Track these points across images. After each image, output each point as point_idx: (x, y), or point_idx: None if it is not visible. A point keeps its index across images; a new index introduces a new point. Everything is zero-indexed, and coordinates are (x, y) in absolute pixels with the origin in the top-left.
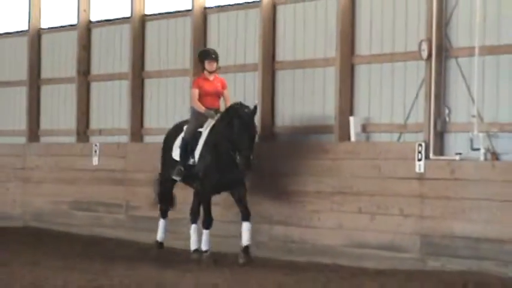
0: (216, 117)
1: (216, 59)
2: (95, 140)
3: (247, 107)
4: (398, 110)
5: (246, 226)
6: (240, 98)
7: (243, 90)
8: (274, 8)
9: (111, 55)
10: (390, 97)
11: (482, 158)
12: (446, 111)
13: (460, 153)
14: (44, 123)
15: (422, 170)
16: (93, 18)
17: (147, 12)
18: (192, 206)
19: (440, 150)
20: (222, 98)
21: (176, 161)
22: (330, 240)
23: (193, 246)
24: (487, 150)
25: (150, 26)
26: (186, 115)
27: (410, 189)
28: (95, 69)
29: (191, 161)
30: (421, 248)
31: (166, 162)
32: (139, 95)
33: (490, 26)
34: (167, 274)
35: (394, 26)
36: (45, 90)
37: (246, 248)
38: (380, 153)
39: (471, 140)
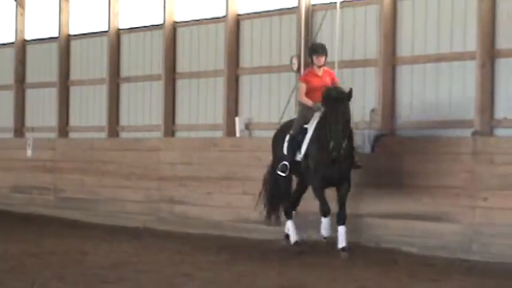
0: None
1: (323, 53)
2: (28, 135)
3: (338, 88)
4: (274, 112)
5: (341, 230)
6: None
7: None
8: (174, 30)
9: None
10: (268, 101)
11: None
12: None
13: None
14: None
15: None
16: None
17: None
18: (287, 203)
19: None
20: None
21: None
22: (220, 216)
23: (293, 238)
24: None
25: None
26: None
27: None
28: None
29: (298, 157)
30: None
31: (277, 161)
32: (66, 100)
33: (347, 45)
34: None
35: (271, 44)
36: None
37: (343, 249)
38: (260, 146)
39: None
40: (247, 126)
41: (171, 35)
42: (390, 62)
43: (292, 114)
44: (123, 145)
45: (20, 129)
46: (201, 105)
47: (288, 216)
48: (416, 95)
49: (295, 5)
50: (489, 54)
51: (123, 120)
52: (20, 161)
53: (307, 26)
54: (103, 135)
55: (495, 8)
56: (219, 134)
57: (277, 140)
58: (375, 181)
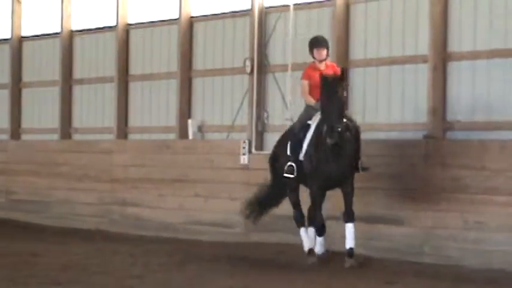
0: None
1: (323, 46)
2: None
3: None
4: (227, 114)
5: (349, 227)
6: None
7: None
8: (127, 32)
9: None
10: (221, 104)
11: None
12: (265, 115)
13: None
14: None
15: (246, 162)
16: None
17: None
18: (296, 211)
19: (260, 146)
20: None
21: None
22: (172, 218)
23: (306, 246)
24: None
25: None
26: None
27: (237, 177)
28: None
29: (301, 156)
30: (245, 225)
31: (284, 164)
32: (18, 101)
33: (299, 48)
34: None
35: (224, 47)
36: None
37: (351, 250)
38: (212, 149)
39: None
40: (200, 129)
41: (124, 37)
42: (343, 65)
43: (245, 116)
44: (76, 147)
45: None
46: (153, 107)
47: (300, 224)
48: (369, 97)
49: (249, 7)
50: (441, 57)
51: (76, 122)
52: None
53: (261, 28)
54: (55, 137)
55: (447, 12)
56: (171, 136)
57: (281, 146)
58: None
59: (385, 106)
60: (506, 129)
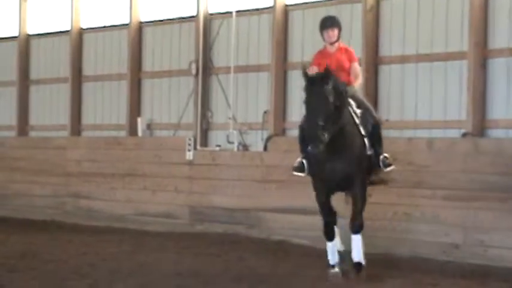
0: None
1: (333, 25)
2: None
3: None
4: (174, 113)
5: (355, 240)
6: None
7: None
8: (81, 35)
9: None
10: (168, 103)
11: (235, 148)
12: (209, 114)
13: (219, 146)
14: None
15: (191, 158)
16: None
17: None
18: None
19: (205, 143)
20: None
21: None
22: (122, 210)
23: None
24: (239, 143)
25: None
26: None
27: (182, 172)
28: None
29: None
30: (190, 215)
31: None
32: None
33: (242, 51)
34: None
35: (171, 50)
36: None
37: (358, 265)
38: (160, 145)
39: (227, 136)
40: (149, 126)
41: (78, 40)
42: (282, 67)
43: (190, 115)
44: (32, 143)
45: None
46: (105, 106)
47: (327, 237)
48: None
49: (194, 14)
50: (373, 61)
51: (32, 120)
52: None
53: (205, 33)
54: (13, 133)
55: (378, 19)
56: (122, 133)
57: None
58: (267, 177)
59: None
60: (432, 128)
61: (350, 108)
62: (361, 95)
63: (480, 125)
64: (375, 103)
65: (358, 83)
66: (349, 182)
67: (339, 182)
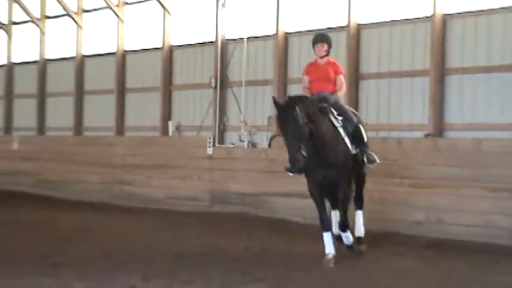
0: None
1: (322, 41)
2: (14, 132)
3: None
4: (197, 118)
5: (359, 214)
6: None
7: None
8: (171, 52)
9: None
10: (192, 109)
11: (246, 146)
12: (225, 118)
13: (233, 143)
14: None
15: (211, 153)
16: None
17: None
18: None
19: (221, 141)
20: None
21: None
22: (156, 194)
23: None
24: (249, 141)
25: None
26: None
27: (204, 164)
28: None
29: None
30: (210, 199)
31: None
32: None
33: (251, 69)
34: None
35: (195, 68)
36: None
37: (359, 238)
38: (186, 143)
39: (240, 136)
40: (177, 128)
41: (168, 55)
42: (283, 82)
43: (210, 119)
44: (86, 141)
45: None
46: (143, 112)
47: (323, 227)
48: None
49: (214, 39)
50: (354, 76)
51: (87, 122)
52: (8, 152)
53: (223, 54)
54: (70, 133)
55: (359, 43)
56: (156, 133)
57: None
58: (271, 169)
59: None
60: (401, 130)
61: (331, 115)
62: (343, 102)
63: (439, 127)
64: (356, 109)
65: (341, 93)
66: (335, 185)
67: (326, 183)
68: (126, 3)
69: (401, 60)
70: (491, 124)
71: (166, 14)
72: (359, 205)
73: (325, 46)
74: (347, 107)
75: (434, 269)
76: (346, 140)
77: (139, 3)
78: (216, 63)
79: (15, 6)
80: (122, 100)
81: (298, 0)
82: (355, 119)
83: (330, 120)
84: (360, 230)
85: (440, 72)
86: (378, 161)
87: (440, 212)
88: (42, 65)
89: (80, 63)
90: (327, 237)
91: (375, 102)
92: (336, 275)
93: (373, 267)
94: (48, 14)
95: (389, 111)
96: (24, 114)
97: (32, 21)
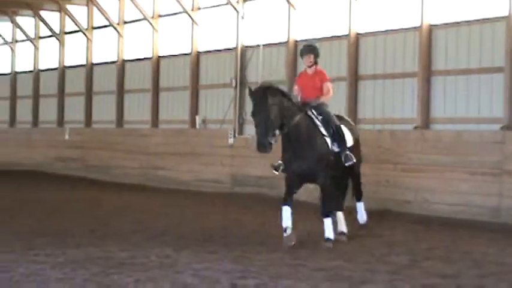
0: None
1: (308, 52)
2: (66, 125)
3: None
4: (220, 112)
5: (326, 222)
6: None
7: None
8: (158, 61)
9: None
10: (216, 105)
11: None
12: (244, 113)
13: (250, 134)
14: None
15: (232, 143)
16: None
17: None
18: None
19: (241, 132)
20: None
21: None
22: (185, 177)
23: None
24: None
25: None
26: None
27: (226, 152)
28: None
29: None
30: (231, 181)
31: None
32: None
33: (266, 70)
34: None
35: (218, 70)
36: None
37: (326, 239)
38: (212, 134)
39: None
40: (203, 121)
41: (195, 60)
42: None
43: (231, 114)
44: (126, 132)
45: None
46: (175, 108)
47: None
48: None
49: (234, 46)
50: (354, 77)
51: (126, 116)
52: (60, 142)
53: (242, 58)
54: (113, 125)
55: (358, 49)
56: (185, 126)
57: None
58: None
59: None
60: (394, 123)
61: (312, 115)
62: (326, 106)
63: (426, 121)
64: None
65: (325, 98)
66: (313, 175)
67: (305, 175)
68: (159, 16)
69: (394, 64)
70: (470, 118)
71: (194, 25)
72: (358, 197)
73: (311, 57)
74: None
75: (421, 242)
76: (326, 137)
77: (172, 16)
78: (236, 66)
79: (96, 11)
80: (157, 99)
81: (307, 11)
82: (337, 121)
83: (310, 117)
84: (362, 218)
85: (427, 73)
86: (354, 160)
87: (426, 193)
88: (121, 65)
89: (156, 62)
90: (286, 212)
91: (371, 99)
92: (336, 246)
93: (369, 240)
94: (126, 19)
95: (384, 107)
96: (74, 109)
97: (111, 26)
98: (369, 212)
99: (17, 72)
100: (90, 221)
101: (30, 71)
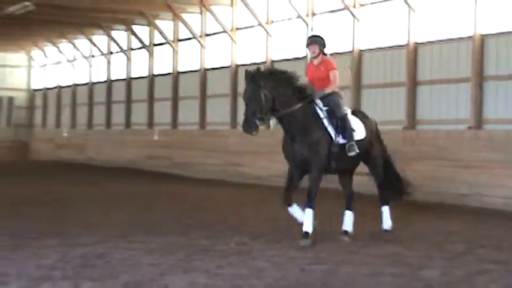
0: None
1: (312, 43)
2: (155, 128)
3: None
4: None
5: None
6: None
7: None
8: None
9: None
10: None
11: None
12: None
13: None
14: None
15: None
16: None
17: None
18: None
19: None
20: None
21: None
22: (261, 173)
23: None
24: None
25: None
26: None
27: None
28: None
29: None
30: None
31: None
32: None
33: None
34: None
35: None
36: None
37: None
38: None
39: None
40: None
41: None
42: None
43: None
44: (207, 133)
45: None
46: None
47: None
48: None
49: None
50: (358, 86)
51: (209, 118)
52: (150, 142)
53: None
54: (196, 127)
55: (361, 63)
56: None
57: None
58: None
59: None
60: (449, 124)
61: (316, 106)
62: (337, 95)
63: (478, 121)
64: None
65: (330, 88)
66: (307, 165)
67: (298, 165)
68: (237, 29)
69: (449, 70)
70: None
71: (356, 21)
72: (383, 201)
73: (316, 47)
74: (337, 102)
75: (475, 231)
76: (330, 128)
77: (248, 28)
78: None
79: (181, 26)
80: (235, 102)
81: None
82: (341, 113)
83: (313, 108)
84: (387, 223)
85: (480, 79)
86: (357, 151)
87: (480, 187)
88: (203, 73)
89: (235, 70)
90: (308, 214)
91: (373, 105)
92: (393, 234)
93: (425, 228)
94: (207, 32)
95: (440, 109)
96: (163, 113)
97: (194, 38)
98: (426, 205)
99: (112, 81)
100: (176, 212)
101: (123, 79)
